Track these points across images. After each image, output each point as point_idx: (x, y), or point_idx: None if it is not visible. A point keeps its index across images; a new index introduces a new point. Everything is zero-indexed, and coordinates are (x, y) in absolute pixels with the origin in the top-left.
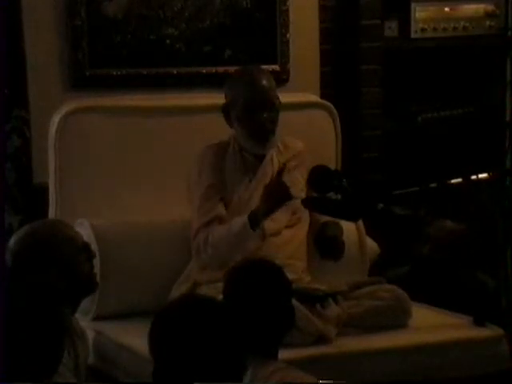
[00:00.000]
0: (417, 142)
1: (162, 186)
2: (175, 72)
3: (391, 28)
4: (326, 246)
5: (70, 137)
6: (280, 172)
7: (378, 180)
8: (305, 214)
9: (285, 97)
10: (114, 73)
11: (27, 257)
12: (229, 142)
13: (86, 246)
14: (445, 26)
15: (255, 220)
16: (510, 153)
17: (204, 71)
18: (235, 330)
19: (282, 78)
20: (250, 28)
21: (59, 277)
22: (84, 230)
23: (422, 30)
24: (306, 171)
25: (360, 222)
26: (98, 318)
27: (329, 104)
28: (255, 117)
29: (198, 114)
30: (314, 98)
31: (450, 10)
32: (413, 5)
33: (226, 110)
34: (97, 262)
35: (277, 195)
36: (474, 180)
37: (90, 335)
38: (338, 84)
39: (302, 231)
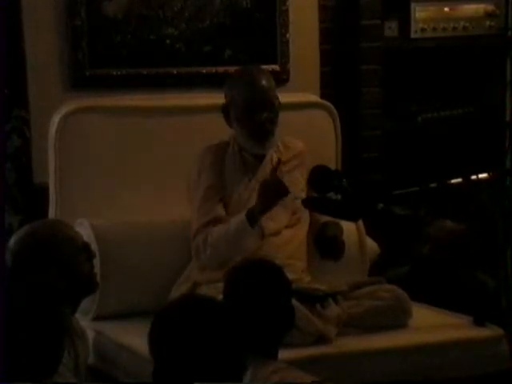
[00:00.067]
0: (417, 142)
1: (162, 186)
2: (175, 72)
3: (391, 28)
4: (326, 245)
5: (70, 137)
6: (275, 168)
7: (378, 180)
8: (305, 214)
9: (285, 97)
10: (114, 73)
11: (27, 257)
12: (229, 142)
13: (86, 246)
14: (445, 25)
15: (253, 217)
16: (510, 153)
17: (204, 71)
18: (235, 329)
19: (282, 78)
20: (250, 28)
21: (59, 277)
22: (84, 230)
23: (422, 30)
24: (306, 171)
25: (360, 222)
26: (98, 318)
27: (329, 104)
28: (255, 117)
29: (198, 114)
30: (314, 98)
31: (450, 10)
32: (413, 5)
33: (225, 110)
34: (97, 262)
35: (273, 191)
36: (473, 180)
37: (90, 335)
38: (338, 84)
39: (301, 231)
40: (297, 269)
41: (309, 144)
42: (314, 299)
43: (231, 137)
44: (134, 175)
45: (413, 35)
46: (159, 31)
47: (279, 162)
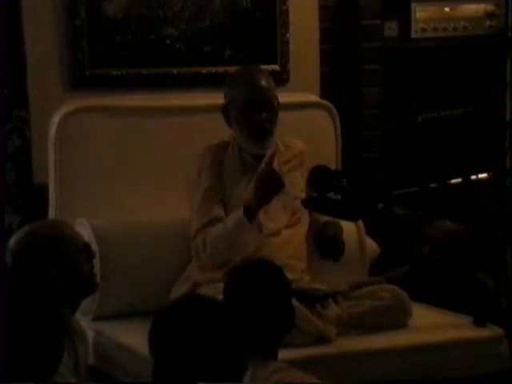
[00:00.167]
0: (417, 141)
1: (162, 186)
2: (175, 72)
3: (391, 28)
4: (326, 245)
5: (70, 137)
6: (270, 162)
7: (378, 180)
8: (305, 214)
9: (285, 97)
10: (114, 73)
11: (27, 257)
12: (228, 142)
13: (86, 246)
14: (445, 25)
15: (250, 212)
16: (510, 153)
17: (204, 71)
18: (235, 329)
19: (282, 78)
20: (250, 28)
21: (59, 277)
22: (84, 230)
23: (422, 29)
24: (306, 171)
25: (360, 222)
26: (98, 318)
27: (329, 104)
28: (254, 117)
29: (198, 114)
30: (314, 98)
31: (450, 9)
32: (413, 5)
33: (225, 111)
34: (97, 262)
35: (269, 183)
36: (473, 180)
37: (90, 335)
38: (338, 84)
39: (301, 231)
40: (297, 269)
41: (309, 144)
42: (313, 299)
43: (231, 137)
44: (134, 175)
45: (413, 35)
46: (159, 31)
47: (274, 153)
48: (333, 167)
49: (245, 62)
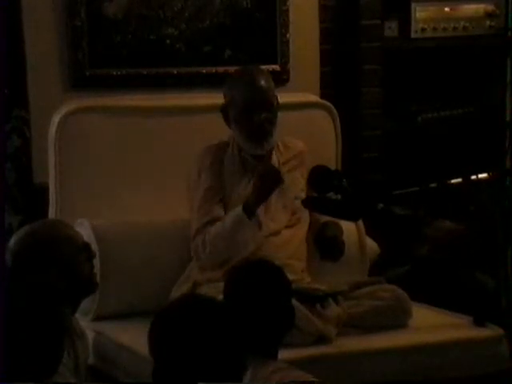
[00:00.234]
0: (417, 142)
1: (162, 186)
2: (175, 72)
3: (391, 28)
4: (325, 246)
5: (70, 137)
6: (267, 159)
7: (378, 180)
8: (305, 214)
9: (285, 97)
10: (114, 73)
11: (27, 257)
12: (228, 142)
13: (86, 246)
14: (445, 25)
15: (250, 209)
16: (510, 153)
17: (204, 71)
18: (235, 329)
19: (282, 78)
20: (250, 28)
21: (59, 277)
22: (84, 230)
23: (422, 29)
24: (306, 171)
25: (360, 222)
26: (98, 318)
27: (329, 104)
28: (253, 117)
29: (198, 114)
30: (314, 98)
31: (450, 10)
32: (413, 5)
33: (224, 111)
34: (97, 262)
35: (268, 179)
36: (474, 180)
37: (90, 335)
38: (338, 84)
39: (301, 231)
40: (297, 269)
41: (309, 144)
42: (314, 299)
43: (231, 137)
44: (134, 175)
45: (413, 35)
46: (159, 31)
47: (271, 151)
48: (333, 167)
49: (245, 61)
